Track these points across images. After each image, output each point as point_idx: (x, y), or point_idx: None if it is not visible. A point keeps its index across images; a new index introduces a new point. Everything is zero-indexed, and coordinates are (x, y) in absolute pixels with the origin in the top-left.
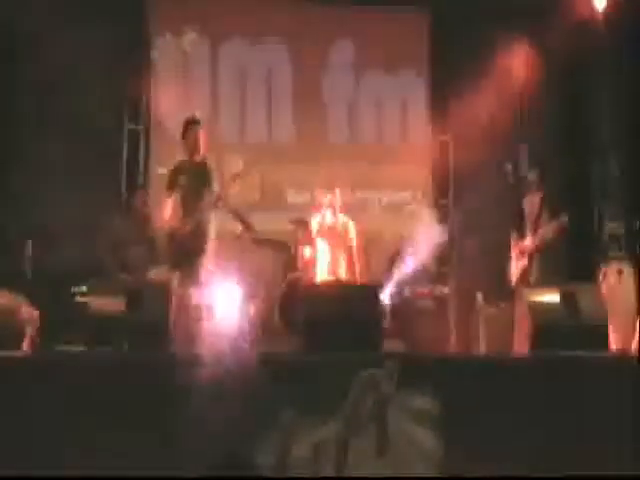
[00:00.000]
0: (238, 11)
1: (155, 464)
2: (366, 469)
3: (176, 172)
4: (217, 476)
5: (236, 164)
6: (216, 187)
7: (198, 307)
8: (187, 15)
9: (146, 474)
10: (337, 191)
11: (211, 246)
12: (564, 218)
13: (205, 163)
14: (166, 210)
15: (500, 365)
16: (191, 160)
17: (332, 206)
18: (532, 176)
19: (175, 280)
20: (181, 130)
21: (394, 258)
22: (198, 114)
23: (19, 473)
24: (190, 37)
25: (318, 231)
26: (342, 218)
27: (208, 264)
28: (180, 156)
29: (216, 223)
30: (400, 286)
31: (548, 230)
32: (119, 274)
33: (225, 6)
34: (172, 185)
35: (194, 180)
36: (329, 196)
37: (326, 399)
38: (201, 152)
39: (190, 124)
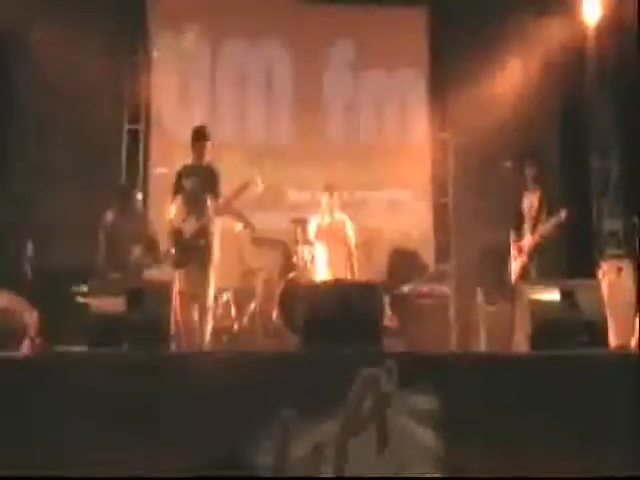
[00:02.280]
0: (238, 11)
1: (155, 464)
2: (366, 468)
3: (181, 177)
4: (217, 476)
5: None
6: (222, 192)
7: (200, 306)
8: (188, 15)
9: (146, 474)
10: (335, 191)
11: (214, 246)
12: (562, 214)
13: (211, 167)
14: (171, 211)
15: (500, 363)
16: (197, 164)
17: (331, 205)
18: (531, 174)
19: (178, 280)
20: (191, 138)
21: (394, 257)
22: (197, 114)
23: (19, 473)
24: (190, 37)
25: (317, 230)
26: (341, 217)
27: (210, 264)
28: (182, 159)
29: (218, 223)
30: (400, 284)
31: (547, 227)
32: (112, 274)
33: (225, 6)
34: (178, 190)
35: (200, 183)
36: (328, 195)
37: (326, 398)
38: (207, 158)
39: (200, 134)
